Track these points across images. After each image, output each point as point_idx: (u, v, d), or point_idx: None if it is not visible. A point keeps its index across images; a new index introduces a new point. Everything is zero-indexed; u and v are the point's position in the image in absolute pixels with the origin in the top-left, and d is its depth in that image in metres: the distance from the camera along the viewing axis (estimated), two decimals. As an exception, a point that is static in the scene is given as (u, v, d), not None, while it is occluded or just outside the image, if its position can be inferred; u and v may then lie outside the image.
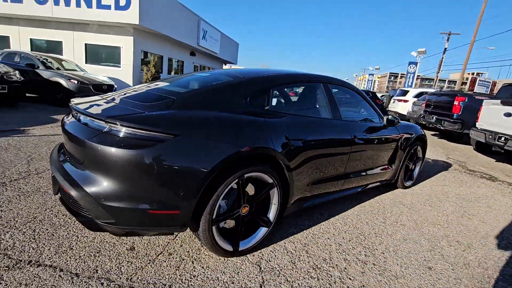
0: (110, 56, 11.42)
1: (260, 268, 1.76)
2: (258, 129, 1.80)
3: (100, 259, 1.68)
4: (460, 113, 7.31)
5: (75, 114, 1.73)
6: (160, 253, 1.80)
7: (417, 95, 11.57)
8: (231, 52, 21.72)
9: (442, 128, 7.65)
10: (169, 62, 14.60)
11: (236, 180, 1.66)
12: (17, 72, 6.99)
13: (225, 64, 23.75)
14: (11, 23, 11.70)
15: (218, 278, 1.63)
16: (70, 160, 1.66)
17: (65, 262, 1.61)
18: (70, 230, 1.93)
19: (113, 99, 1.85)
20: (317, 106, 2.52)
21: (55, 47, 11.60)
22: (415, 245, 2.26)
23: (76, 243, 1.80)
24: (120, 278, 1.54)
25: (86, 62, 11.52)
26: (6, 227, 1.89)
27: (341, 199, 3.01)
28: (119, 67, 11.51)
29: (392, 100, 14.32)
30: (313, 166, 2.17)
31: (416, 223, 2.67)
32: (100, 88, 8.04)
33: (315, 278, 1.73)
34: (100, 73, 10.01)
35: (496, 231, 2.68)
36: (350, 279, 1.76)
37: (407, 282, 1.79)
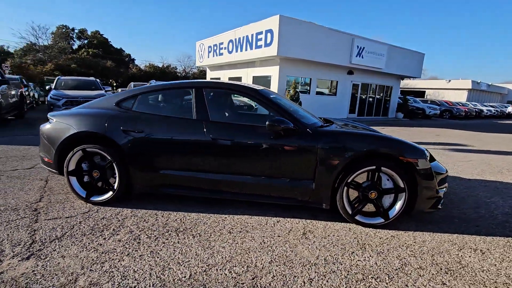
0: (265, 83, 14.36)
1: (89, 211, 2.64)
2: (100, 121, 2.71)
3: (51, 184, 3.29)
4: None
5: None
6: (70, 192, 3.14)
7: None
8: (409, 65, 18.93)
9: None
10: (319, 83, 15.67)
11: (80, 151, 2.69)
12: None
13: (402, 79, 20.96)
14: (221, 68, 17.89)
15: (64, 208, 2.72)
16: None
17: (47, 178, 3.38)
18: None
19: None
20: (175, 108, 2.86)
21: (238, 81, 16.32)
22: (188, 256, 2.04)
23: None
24: (34, 194, 3.05)
25: (253, 90, 15.24)
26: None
27: (261, 206, 2.88)
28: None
29: None
30: (152, 156, 2.66)
31: (261, 247, 2.17)
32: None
33: (103, 232, 2.35)
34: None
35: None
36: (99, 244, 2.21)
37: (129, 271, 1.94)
